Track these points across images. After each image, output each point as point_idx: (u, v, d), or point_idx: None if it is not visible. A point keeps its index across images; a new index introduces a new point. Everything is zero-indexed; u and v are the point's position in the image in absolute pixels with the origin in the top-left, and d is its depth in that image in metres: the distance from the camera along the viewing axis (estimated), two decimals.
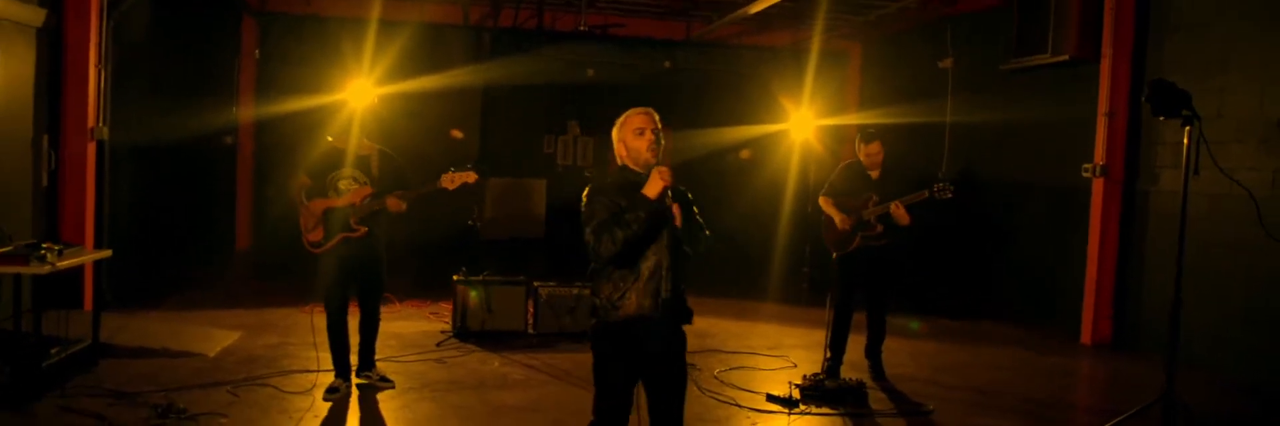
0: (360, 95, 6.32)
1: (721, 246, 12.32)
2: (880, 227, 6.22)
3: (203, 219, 11.10)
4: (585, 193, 3.75)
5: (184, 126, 9.70)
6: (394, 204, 5.74)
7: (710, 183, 12.19)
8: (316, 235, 5.86)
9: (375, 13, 10.56)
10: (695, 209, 3.83)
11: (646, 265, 3.66)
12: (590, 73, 13.81)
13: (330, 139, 5.90)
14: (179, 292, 9.09)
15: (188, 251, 10.32)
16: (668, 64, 13.44)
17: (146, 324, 7.52)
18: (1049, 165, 8.62)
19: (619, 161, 3.86)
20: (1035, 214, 8.82)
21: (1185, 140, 4.94)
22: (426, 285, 9.80)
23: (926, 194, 6.00)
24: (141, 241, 8.76)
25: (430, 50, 11.77)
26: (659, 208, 3.57)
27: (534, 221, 12.96)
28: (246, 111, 11.73)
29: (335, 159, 5.85)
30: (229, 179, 11.94)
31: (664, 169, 3.59)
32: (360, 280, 5.99)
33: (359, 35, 10.82)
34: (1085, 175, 7.82)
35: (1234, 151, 6.70)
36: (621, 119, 3.85)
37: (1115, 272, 7.66)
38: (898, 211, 6.05)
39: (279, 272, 10.68)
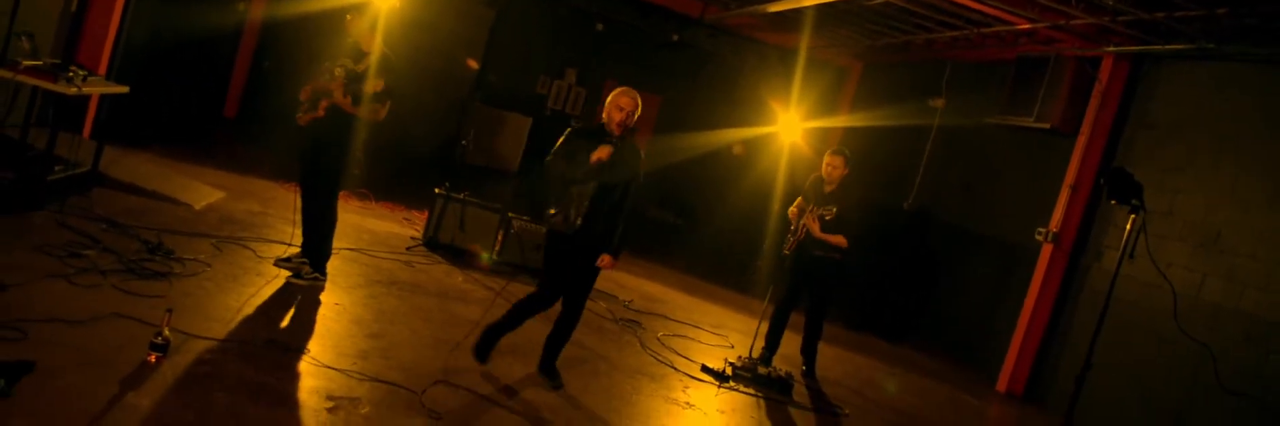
0: None
1: (708, 233, 12.54)
2: (803, 233, 6.68)
3: (197, 81, 11.16)
4: (568, 130, 5.21)
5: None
6: (336, 94, 5.80)
7: (696, 168, 12.57)
8: (303, 109, 6.06)
9: None
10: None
11: (571, 201, 5.05)
12: (599, 27, 14.08)
13: (348, 17, 5.99)
14: (164, 143, 9.19)
15: (177, 107, 10.40)
16: (676, 37, 13.75)
17: (138, 164, 7.69)
18: (1007, 219, 9.18)
19: (602, 116, 5.21)
20: (984, 261, 9.37)
21: (1128, 226, 5.43)
22: (400, 190, 10.07)
23: (815, 210, 6.54)
24: (140, 86, 8.84)
25: None
26: (593, 171, 5.02)
27: (510, 155, 13.23)
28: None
29: (343, 47, 6.03)
30: (231, 51, 11.99)
31: (608, 149, 5.00)
32: (312, 161, 6.05)
33: None
34: (1038, 238, 8.38)
35: (1175, 248, 7.28)
36: (618, 90, 5.17)
37: (1043, 332, 8.21)
38: (809, 221, 6.56)
39: (261, 145, 10.86)
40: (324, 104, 5.87)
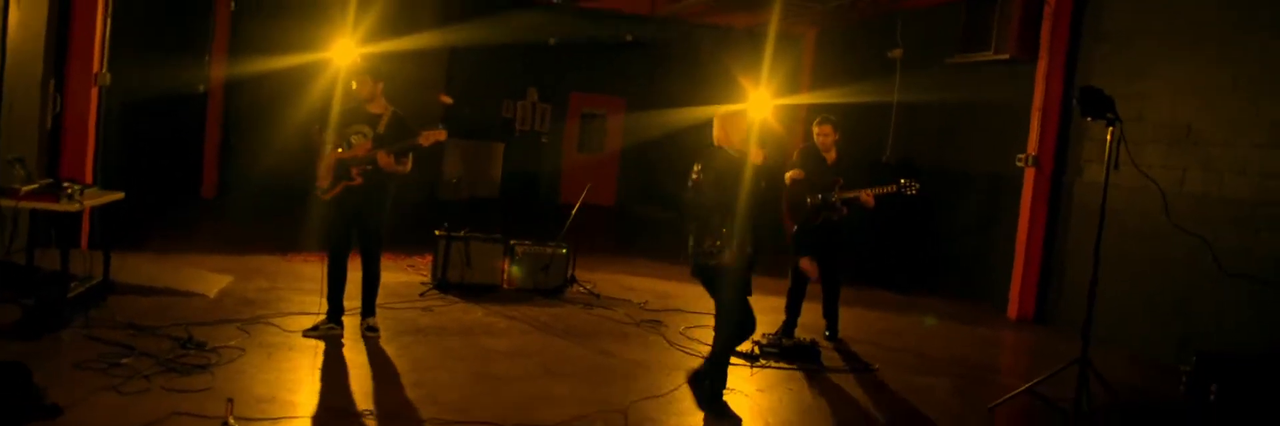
0: (343, 54, 6.67)
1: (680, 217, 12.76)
2: (846, 210, 6.93)
3: (170, 167, 11.35)
4: (700, 165, 5.32)
5: (158, 77, 9.96)
6: (382, 158, 6.21)
7: (671, 158, 12.74)
8: (324, 182, 6.39)
9: None
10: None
11: (737, 230, 5.17)
12: (552, 41, 14.30)
13: (354, 84, 6.36)
14: (156, 237, 9.40)
15: (157, 198, 10.59)
16: (629, 37, 13.94)
17: (140, 264, 7.89)
18: (986, 154, 9.41)
19: (717, 142, 5.36)
20: (971, 199, 9.61)
21: (1108, 139, 5.64)
22: (397, 240, 10.23)
23: (894, 188, 6.75)
24: (121, 183, 9.03)
25: (400, 11, 12.10)
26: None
27: (491, 182, 13.45)
28: (219, 65, 11.97)
29: (351, 115, 6.38)
30: (197, 130, 12.18)
31: (760, 152, 5.34)
32: (358, 229, 6.46)
33: None
34: (1018, 165, 8.60)
35: (1150, 150, 7.51)
36: (728, 113, 5.40)
37: (1041, 254, 8.48)
38: (866, 199, 6.80)
39: (249, 221, 11.06)
40: (356, 171, 6.21)
